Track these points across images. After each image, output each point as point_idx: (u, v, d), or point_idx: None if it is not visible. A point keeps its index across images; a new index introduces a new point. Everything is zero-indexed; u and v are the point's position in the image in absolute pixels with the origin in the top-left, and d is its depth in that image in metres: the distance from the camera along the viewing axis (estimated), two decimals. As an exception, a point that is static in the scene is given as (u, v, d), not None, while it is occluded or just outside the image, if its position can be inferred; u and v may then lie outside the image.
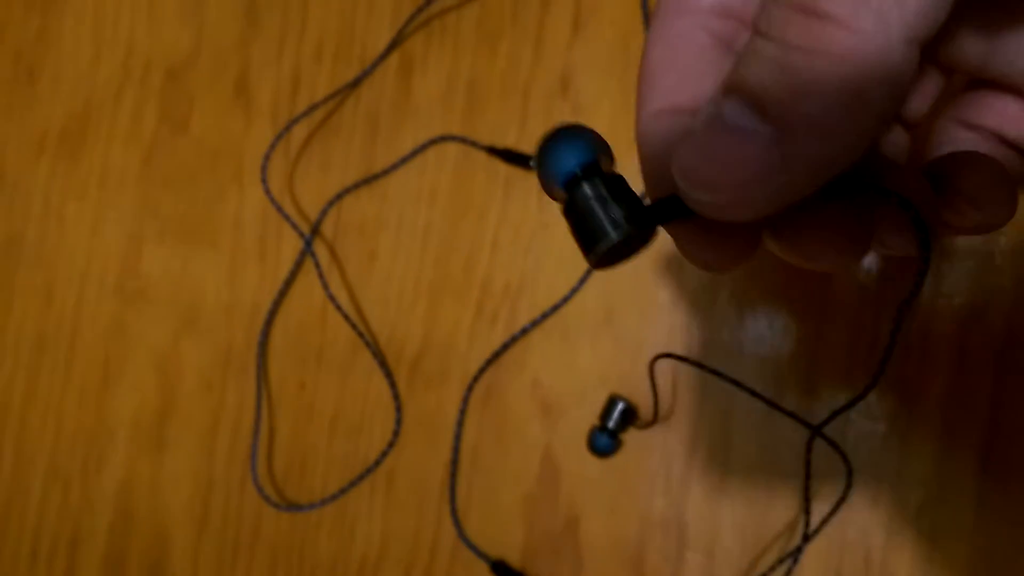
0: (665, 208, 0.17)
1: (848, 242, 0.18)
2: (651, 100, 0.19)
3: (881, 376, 0.18)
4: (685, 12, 0.19)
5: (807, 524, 0.33)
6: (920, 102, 0.21)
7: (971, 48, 0.19)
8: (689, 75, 0.18)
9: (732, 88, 0.15)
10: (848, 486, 0.33)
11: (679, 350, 0.36)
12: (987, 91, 0.20)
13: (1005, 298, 0.33)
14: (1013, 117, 0.19)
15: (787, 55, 0.14)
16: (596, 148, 0.17)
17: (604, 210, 0.17)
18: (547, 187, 0.18)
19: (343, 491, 0.40)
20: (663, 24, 0.19)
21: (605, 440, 0.36)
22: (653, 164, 0.18)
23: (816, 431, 0.25)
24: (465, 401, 0.39)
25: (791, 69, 0.14)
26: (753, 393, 0.28)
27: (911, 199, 0.16)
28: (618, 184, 0.17)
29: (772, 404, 0.28)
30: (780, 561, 0.34)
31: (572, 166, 0.17)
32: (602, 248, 0.17)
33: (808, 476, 0.31)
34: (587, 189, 0.17)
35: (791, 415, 0.28)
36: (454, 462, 0.39)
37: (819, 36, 0.13)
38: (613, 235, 0.17)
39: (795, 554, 0.33)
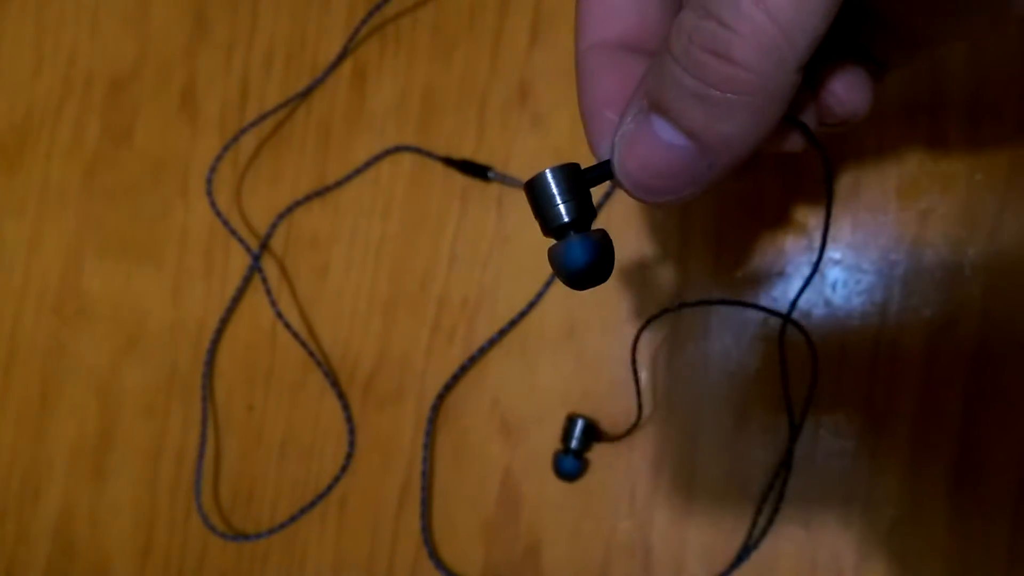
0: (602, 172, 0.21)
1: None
2: (583, 37, 0.22)
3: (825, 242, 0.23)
4: None
5: (792, 429, 0.33)
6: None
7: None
8: (615, 13, 0.22)
9: (660, 108, 0.18)
10: (815, 369, 0.32)
11: (643, 364, 0.35)
12: None
13: (974, 310, 0.32)
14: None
15: (706, 92, 0.17)
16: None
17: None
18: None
19: (293, 519, 0.38)
20: None
21: (571, 462, 0.34)
22: (586, 97, 0.22)
23: (786, 317, 0.29)
24: (431, 422, 0.37)
25: (710, 101, 0.17)
26: (729, 302, 0.30)
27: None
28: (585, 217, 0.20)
29: (744, 303, 0.31)
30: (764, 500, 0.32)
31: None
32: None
33: (784, 370, 0.32)
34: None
35: (762, 308, 0.32)
36: (424, 487, 0.37)
37: (732, 77, 0.17)
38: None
39: (785, 462, 0.33)
